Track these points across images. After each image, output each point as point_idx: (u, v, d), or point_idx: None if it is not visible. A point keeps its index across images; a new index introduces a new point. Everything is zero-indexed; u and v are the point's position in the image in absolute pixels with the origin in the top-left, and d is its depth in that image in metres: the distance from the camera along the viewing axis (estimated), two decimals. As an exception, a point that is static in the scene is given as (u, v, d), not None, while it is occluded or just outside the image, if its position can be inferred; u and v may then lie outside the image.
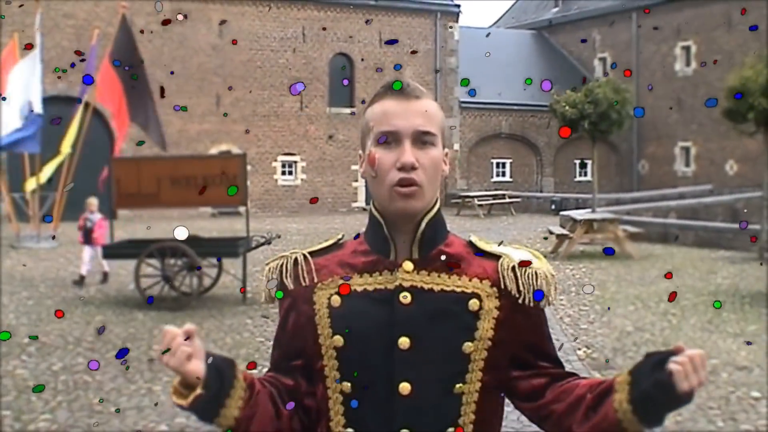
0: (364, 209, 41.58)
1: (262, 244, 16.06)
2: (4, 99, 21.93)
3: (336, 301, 2.28)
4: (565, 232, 21.93)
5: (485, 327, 2.26)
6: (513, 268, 2.29)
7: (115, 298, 15.37)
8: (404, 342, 2.21)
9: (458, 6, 44.88)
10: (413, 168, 2.21)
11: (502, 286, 2.28)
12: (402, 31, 42.88)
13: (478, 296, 2.28)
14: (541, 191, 45.79)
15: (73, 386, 9.26)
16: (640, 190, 45.92)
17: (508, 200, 37.92)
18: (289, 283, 2.34)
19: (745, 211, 25.84)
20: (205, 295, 15.11)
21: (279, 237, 16.75)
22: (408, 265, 2.28)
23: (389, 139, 2.24)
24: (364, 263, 2.32)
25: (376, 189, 2.29)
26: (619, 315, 13.30)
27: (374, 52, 42.24)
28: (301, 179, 41.55)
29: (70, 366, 10.23)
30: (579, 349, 10.91)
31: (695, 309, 13.70)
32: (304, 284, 2.32)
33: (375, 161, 2.24)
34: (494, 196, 38.50)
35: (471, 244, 2.41)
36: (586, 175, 46.41)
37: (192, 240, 15.29)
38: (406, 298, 2.24)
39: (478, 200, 36.77)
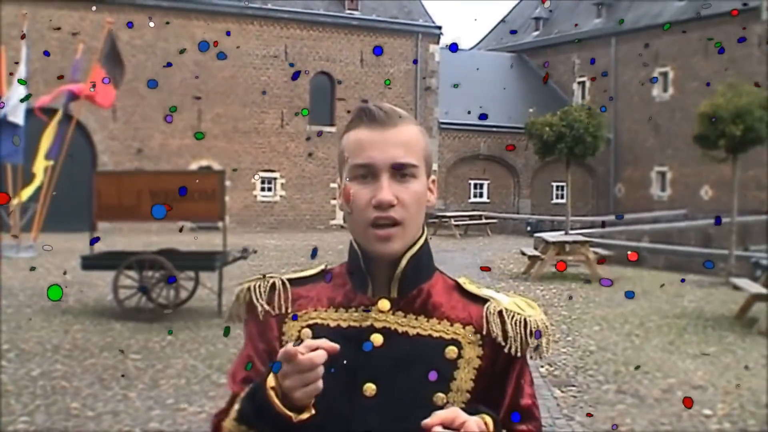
0: (342, 227, 41.90)
1: (239, 259, 16.39)
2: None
3: (306, 334, 2.11)
4: (537, 253, 22.30)
5: (463, 377, 2.09)
6: (500, 312, 2.13)
7: (93, 308, 15.64)
8: (369, 388, 2.04)
9: (440, 28, 45.34)
10: (391, 206, 2.03)
11: (485, 332, 2.11)
12: (384, 51, 43.30)
13: (457, 343, 2.10)
14: (518, 212, 46.21)
15: (51, 391, 9.57)
16: (616, 213, 46.45)
17: (484, 221, 38.27)
18: (259, 308, 2.16)
19: (740, 235, 26.22)
20: (182, 307, 15.38)
21: (255, 252, 17.06)
22: (384, 304, 2.11)
23: (365, 173, 2.06)
24: (342, 298, 2.16)
25: (352, 226, 2.12)
26: (584, 335, 13.67)
27: (355, 72, 42.65)
28: (280, 195, 41.86)
29: (48, 372, 10.53)
30: (542, 366, 11.27)
31: (659, 330, 14.08)
32: (277, 312, 2.16)
33: (350, 197, 2.06)
34: (471, 217, 38.85)
35: (458, 285, 2.22)
36: (563, 197, 46.93)
37: (169, 253, 15.65)
38: (377, 340, 2.07)
39: (455, 220, 37.11)
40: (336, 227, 41.66)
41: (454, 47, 19.38)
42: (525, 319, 2.11)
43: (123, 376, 10.33)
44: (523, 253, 22.83)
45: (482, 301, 2.16)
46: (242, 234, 32.12)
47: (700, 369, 11.22)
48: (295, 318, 2.16)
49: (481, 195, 47.30)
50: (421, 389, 2.05)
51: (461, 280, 2.23)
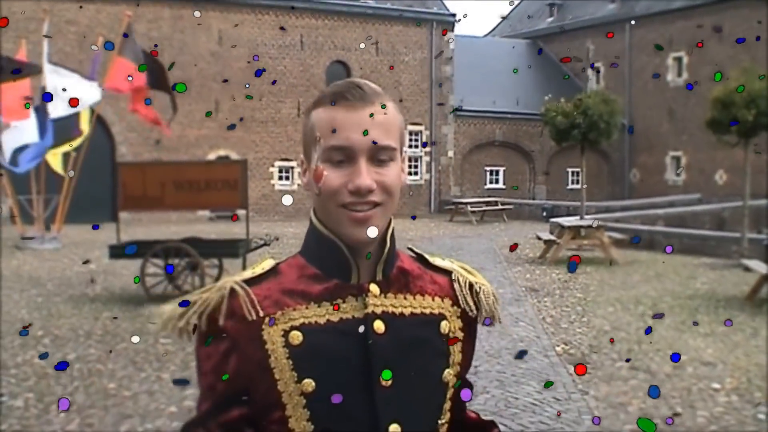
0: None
1: (261, 246, 16.81)
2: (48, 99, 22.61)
3: (296, 337, 1.92)
4: (552, 238, 22.66)
5: (455, 350, 2.09)
6: (470, 285, 2.13)
7: (120, 296, 16.06)
8: (387, 377, 1.93)
9: (454, 15, 45.59)
10: (369, 191, 1.90)
11: (462, 305, 2.10)
12: (398, 39, 43.62)
13: (445, 318, 2.08)
14: (533, 198, 46.47)
15: (88, 373, 10.01)
16: (631, 198, 46.72)
17: (500, 207, 38.57)
18: (220, 320, 1.94)
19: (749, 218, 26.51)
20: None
21: (277, 239, 17.48)
22: (375, 288, 2.00)
23: (340, 157, 1.92)
24: (321, 290, 1.98)
25: (321, 208, 2.01)
26: (599, 316, 14.04)
27: (371, 60, 42.98)
28: (298, 184, 42.24)
29: (83, 356, 10.98)
30: (557, 345, 11.66)
31: (671, 311, 14.44)
32: (250, 319, 1.93)
33: (321, 178, 1.93)
34: (487, 203, 39.15)
35: (419, 256, 2.18)
36: (578, 183, 47.15)
37: (194, 241, 16.10)
38: (379, 327, 1.96)
39: (471, 207, 37.44)
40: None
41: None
42: (491, 290, 2.14)
43: (163, 356, 10.76)
44: (539, 238, 23.20)
45: (443, 271, 2.14)
46: (261, 223, 32.59)
47: (711, 347, 11.60)
48: (272, 323, 1.94)
49: (496, 181, 47.53)
50: (432, 368, 2.03)
51: (417, 251, 2.19)
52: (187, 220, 31.95)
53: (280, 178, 41.79)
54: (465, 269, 2.18)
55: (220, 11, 39.75)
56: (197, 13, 37.62)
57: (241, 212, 17.00)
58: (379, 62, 42.89)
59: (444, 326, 2.06)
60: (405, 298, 2.03)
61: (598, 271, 19.83)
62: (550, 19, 56.47)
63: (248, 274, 2.02)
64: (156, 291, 15.34)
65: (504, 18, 61.22)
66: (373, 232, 1.91)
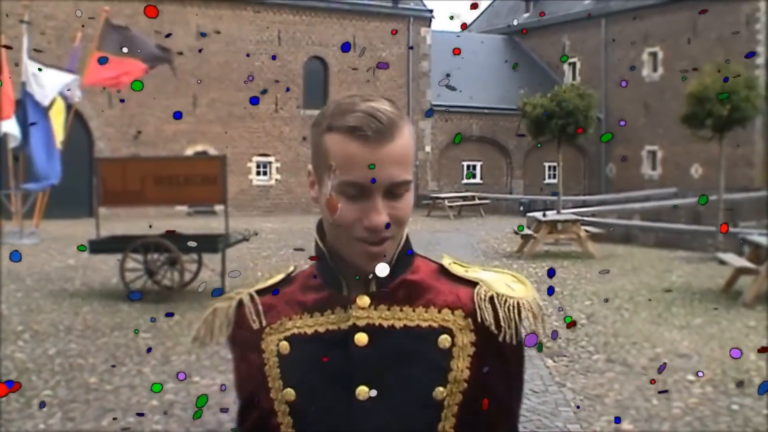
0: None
1: (240, 241, 16.88)
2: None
3: (284, 347, 1.97)
4: (530, 232, 22.81)
5: (459, 366, 1.94)
6: (491, 298, 1.95)
7: (99, 291, 16.10)
8: (362, 391, 1.90)
9: (431, 11, 45.76)
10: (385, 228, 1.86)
11: (479, 319, 1.94)
12: (375, 35, 43.73)
13: (449, 331, 1.95)
14: (510, 193, 46.69)
15: (69, 368, 10.08)
16: (608, 192, 46.98)
17: (477, 202, 38.70)
18: (222, 331, 2.08)
19: (725, 212, 26.70)
20: (186, 289, 15.85)
21: (257, 234, 17.55)
22: (363, 300, 1.94)
23: (355, 192, 1.85)
24: (315, 300, 2.00)
25: (335, 235, 1.94)
26: (575, 309, 14.18)
27: (348, 56, 43.06)
28: (276, 179, 42.30)
29: (63, 351, 11.04)
30: (535, 338, 11.78)
31: (647, 304, 14.59)
32: (254, 327, 2.02)
33: (336, 211, 1.87)
34: (464, 198, 39.27)
35: (443, 268, 2.06)
36: (555, 177, 47.35)
37: (174, 236, 16.14)
38: (361, 339, 1.92)
39: (449, 201, 37.55)
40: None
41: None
42: (518, 303, 1.94)
43: (149, 350, 10.83)
44: (517, 232, 23.33)
45: (470, 283, 2.00)
46: (239, 218, 32.57)
47: (686, 339, 11.75)
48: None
49: (474, 176, 47.70)
50: (420, 384, 1.92)
51: (446, 262, 2.07)
52: (165, 215, 31.90)
53: (258, 173, 41.89)
54: (508, 283, 2.01)
55: (198, 6, 39.78)
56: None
57: (219, 207, 17.06)
58: (356, 58, 42.97)
59: (443, 340, 1.94)
60: (401, 311, 1.96)
61: (575, 265, 19.98)
62: (527, 15, 56.68)
63: (264, 283, 2.09)
64: (135, 286, 15.37)
65: (480, 13, 61.44)
66: (383, 270, 1.89)
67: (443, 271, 2.04)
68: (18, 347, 11.26)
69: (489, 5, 61.90)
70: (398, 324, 1.94)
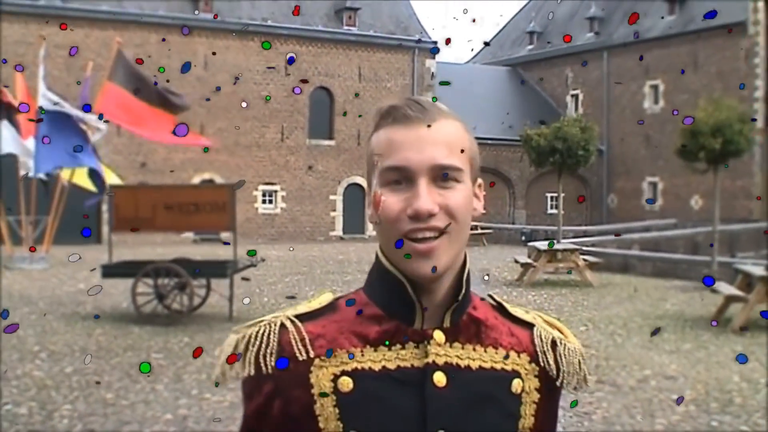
0: (342, 238, 42.95)
1: (249, 267, 17.39)
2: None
3: (346, 383, 1.71)
4: (530, 261, 23.32)
5: (527, 412, 1.80)
6: (553, 343, 1.86)
7: (111, 314, 16.61)
8: None
9: (435, 42, 46.43)
10: (431, 215, 1.66)
11: (542, 364, 1.83)
12: (380, 66, 44.44)
13: (518, 375, 1.80)
14: (513, 223, 47.19)
15: (86, 385, 10.60)
16: (609, 222, 47.48)
17: (480, 231, 39.17)
18: (268, 362, 1.73)
19: (711, 244, 27.22)
20: (195, 313, 16.36)
21: (264, 260, 18.05)
22: (440, 336, 1.74)
23: (398, 178, 1.70)
24: (379, 332, 1.76)
25: (384, 240, 1.74)
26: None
27: (354, 86, 43.72)
28: (281, 208, 42.89)
29: (80, 369, 11.57)
30: (530, 361, 12.30)
31: (640, 330, 15.11)
32: (299, 359, 1.72)
33: (380, 204, 1.70)
34: (467, 227, 39.52)
35: (499, 306, 1.91)
36: (557, 208, 47.74)
37: (183, 261, 16.68)
38: (440, 379, 1.71)
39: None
40: (335, 238, 42.73)
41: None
42: (576, 350, 1.89)
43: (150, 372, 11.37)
44: (517, 261, 23.87)
45: (525, 324, 1.88)
46: (245, 245, 32.98)
47: (674, 362, 12.28)
48: (330, 354, 1.75)
49: (476, 206, 48.02)
50: (497, 431, 1.76)
51: (498, 299, 1.93)
52: (173, 242, 32.57)
53: (264, 201, 42.51)
54: (549, 323, 1.93)
55: (206, 37, 40.47)
56: (186, 30, 38.26)
57: (226, 234, 17.56)
58: (361, 88, 43.63)
59: (516, 385, 1.79)
60: (474, 350, 1.78)
61: (573, 293, 20.50)
62: (530, 47, 57.37)
63: (303, 308, 1.81)
64: (146, 310, 15.89)
65: (486, 44, 62.13)
66: (435, 262, 1.68)
67: (500, 309, 1.90)
68: (36, 365, 11.79)
69: (494, 37, 62.62)
70: (474, 364, 1.76)
